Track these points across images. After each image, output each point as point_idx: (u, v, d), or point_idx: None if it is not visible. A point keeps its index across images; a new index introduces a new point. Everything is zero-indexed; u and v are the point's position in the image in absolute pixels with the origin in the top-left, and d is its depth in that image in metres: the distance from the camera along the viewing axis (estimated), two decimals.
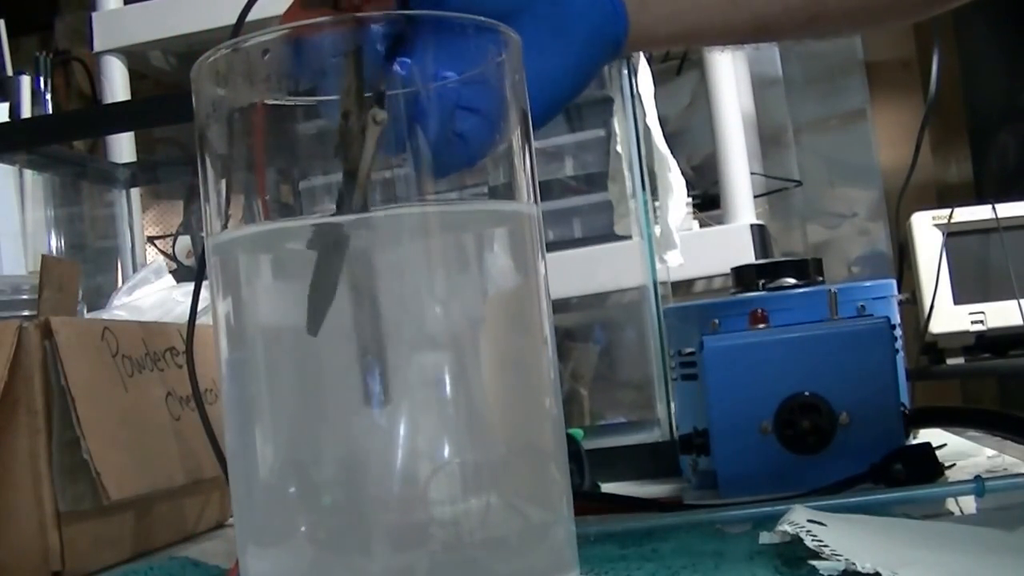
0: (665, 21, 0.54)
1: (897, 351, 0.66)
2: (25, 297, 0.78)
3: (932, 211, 1.35)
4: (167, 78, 1.55)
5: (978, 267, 1.33)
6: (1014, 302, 1.28)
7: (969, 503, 0.56)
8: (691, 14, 0.55)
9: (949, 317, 1.31)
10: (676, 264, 0.96)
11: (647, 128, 0.92)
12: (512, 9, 0.46)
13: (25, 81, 1.48)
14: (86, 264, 1.33)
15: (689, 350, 0.69)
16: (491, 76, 0.41)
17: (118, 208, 1.33)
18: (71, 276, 0.61)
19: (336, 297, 0.37)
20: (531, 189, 0.41)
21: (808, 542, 0.42)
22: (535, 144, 0.42)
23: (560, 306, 1.20)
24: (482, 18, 0.39)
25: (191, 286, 0.92)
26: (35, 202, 1.37)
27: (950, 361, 1.33)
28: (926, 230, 1.33)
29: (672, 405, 0.80)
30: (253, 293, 0.39)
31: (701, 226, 1.28)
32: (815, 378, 0.63)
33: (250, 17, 0.53)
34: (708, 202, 1.35)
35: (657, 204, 0.95)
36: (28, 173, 1.33)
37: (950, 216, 1.33)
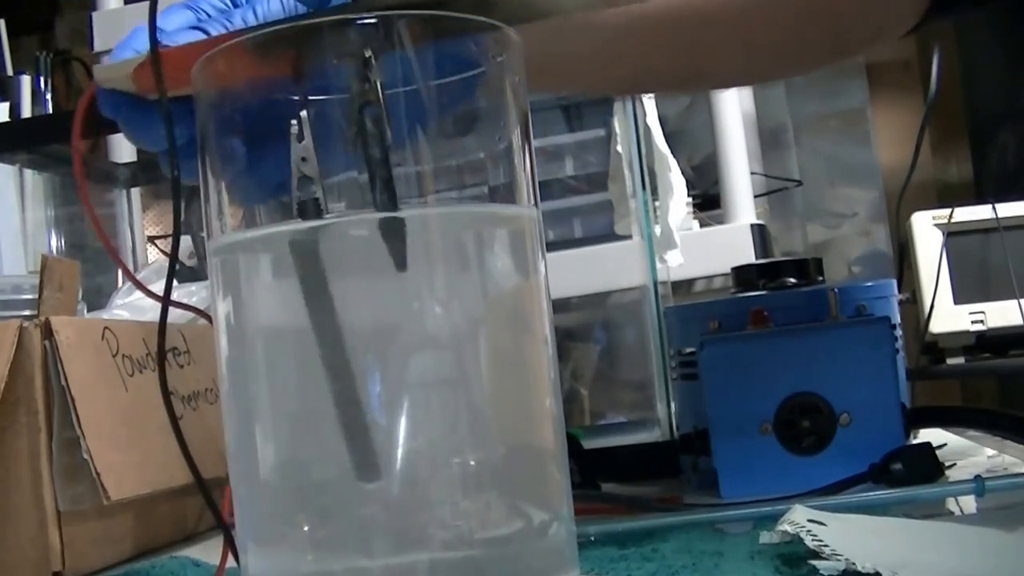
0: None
1: (897, 351, 0.66)
2: (25, 297, 0.78)
3: (932, 211, 1.35)
4: None
5: (978, 267, 1.33)
6: (1014, 302, 1.28)
7: (969, 503, 0.56)
8: (560, 63, 0.54)
9: (949, 317, 1.31)
10: (676, 264, 0.96)
11: (647, 128, 0.93)
12: None
13: (25, 81, 1.48)
14: (86, 264, 1.33)
15: (689, 350, 0.69)
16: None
17: (118, 208, 1.32)
18: (71, 276, 0.61)
19: (336, 297, 0.37)
20: (531, 191, 0.41)
21: (808, 542, 0.42)
22: (535, 144, 0.42)
23: (560, 306, 1.20)
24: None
25: (192, 286, 0.92)
26: (35, 202, 1.37)
27: (950, 361, 1.33)
28: (926, 230, 1.33)
29: (672, 405, 0.80)
30: (253, 293, 0.39)
31: (701, 226, 1.28)
32: (815, 378, 0.63)
33: None
34: (708, 202, 1.35)
35: (657, 204, 0.95)
36: (28, 173, 1.33)
37: (950, 216, 1.33)
